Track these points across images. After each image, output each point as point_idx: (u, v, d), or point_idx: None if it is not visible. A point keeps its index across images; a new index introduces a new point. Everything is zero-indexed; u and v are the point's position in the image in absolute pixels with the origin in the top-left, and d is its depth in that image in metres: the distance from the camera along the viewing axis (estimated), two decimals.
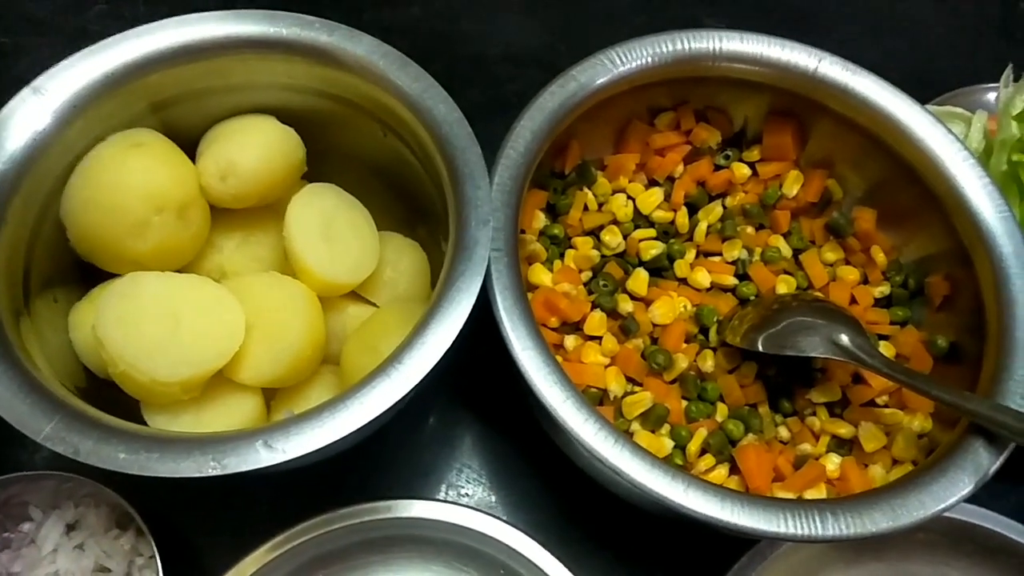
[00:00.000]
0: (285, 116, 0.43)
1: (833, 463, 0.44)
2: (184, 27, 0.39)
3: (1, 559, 0.40)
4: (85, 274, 0.42)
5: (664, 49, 0.47)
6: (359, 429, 0.33)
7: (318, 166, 0.45)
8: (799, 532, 0.36)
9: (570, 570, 0.41)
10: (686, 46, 0.47)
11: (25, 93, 0.38)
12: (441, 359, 0.34)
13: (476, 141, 0.39)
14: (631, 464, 0.36)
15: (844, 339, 0.44)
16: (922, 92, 0.60)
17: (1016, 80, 0.54)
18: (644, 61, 0.47)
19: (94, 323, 0.37)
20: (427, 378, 0.34)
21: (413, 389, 0.33)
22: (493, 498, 0.49)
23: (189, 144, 0.43)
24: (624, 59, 0.46)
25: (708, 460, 0.45)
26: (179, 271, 0.41)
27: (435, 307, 0.36)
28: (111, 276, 0.41)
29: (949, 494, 0.38)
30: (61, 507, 0.41)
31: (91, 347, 0.39)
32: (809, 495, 0.43)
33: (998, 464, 0.39)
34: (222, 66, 0.41)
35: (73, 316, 0.41)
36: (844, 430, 0.46)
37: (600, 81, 0.46)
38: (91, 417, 0.33)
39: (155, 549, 0.39)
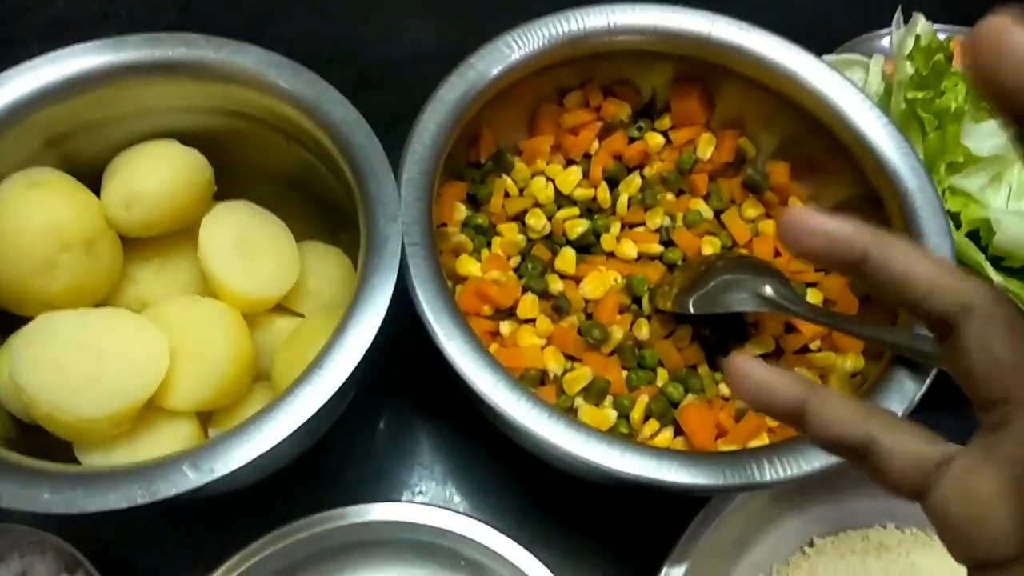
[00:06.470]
0: (188, 138, 0.43)
1: None
2: (62, 61, 0.39)
3: None
4: (3, 323, 0.41)
5: (558, 30, 0.47)
6: (288, 439, 0.33)
7: (229, 185, 0.45)
8: (739, 481, 0.37)
9: (528, 550, 0.42)
10: (580, 24, 0.48)
11: None
12: (363, 359, 0.34)
13: (376, 139, 0.39)
14: (566, 436, 0.37)
15: (768, 291, 0.45)
16: (827, 46, 0.62)
17: (906, 22, 0.56)
18: (540, 44, 0.47)
19: (10, 369, 0.36)
20: (351, 380, 0.34)
21: (337, 392, 0.34)
22: (448, 493, 0.49)
23: (94, 177, 0.42)
24: (520, 43, 0.47)
25: (652, 425, 0.45)
26: (97, 306, 0.41)
27: (352, 308, 0.36)
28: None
29: None
30: (6, 559, 0.41)
31: (13, 394, 0.39)
32: (752, 445, 0.44)
33: (922, 390, 0.40)
34: (110, 95, 0.40)
35: None
36: None
37: (499, 68, 0.46)
38: (11, 462, 0.32)
39: None
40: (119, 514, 0.31)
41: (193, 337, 0.39)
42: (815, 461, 0.37)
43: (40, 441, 0.38)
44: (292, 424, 0.33)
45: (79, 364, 0.37)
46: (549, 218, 0.51)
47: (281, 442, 0.32)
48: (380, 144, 0.39)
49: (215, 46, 0.40)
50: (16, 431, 0.40)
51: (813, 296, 0.49)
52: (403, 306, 0.38)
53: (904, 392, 0.40)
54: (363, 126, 0.39)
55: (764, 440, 0.44)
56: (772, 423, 0.45)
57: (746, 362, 0.25)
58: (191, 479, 0.31)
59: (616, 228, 0.51)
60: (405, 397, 0.53)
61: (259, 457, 0.32)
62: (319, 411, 0.33)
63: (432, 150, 0.43)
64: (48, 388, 0.36)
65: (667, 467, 0.36)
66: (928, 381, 0.40)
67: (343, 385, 0.34)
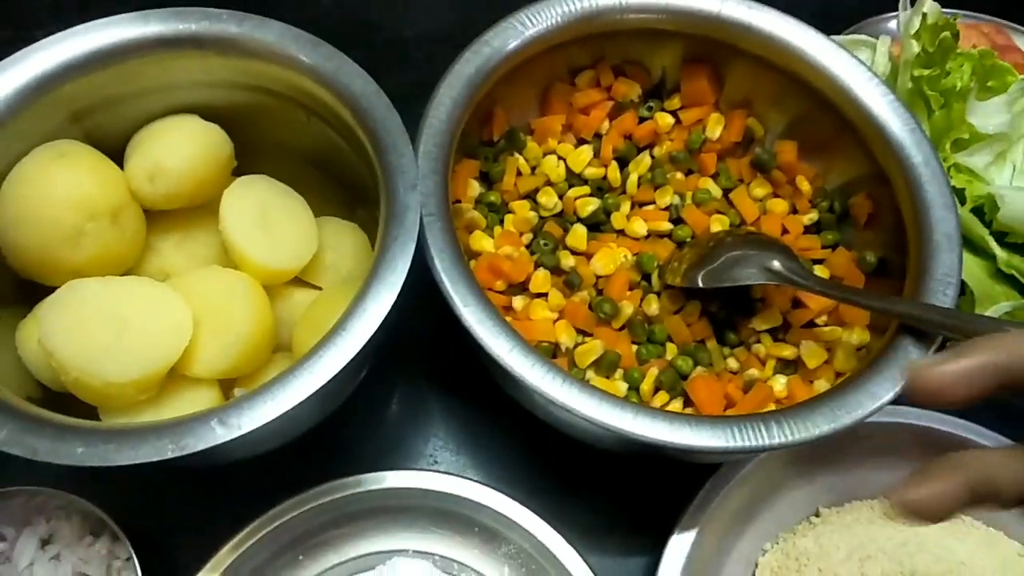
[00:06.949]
0: (209, 114, 0.44)
1: (780, 383, 0.46)
2: (90, 34, 0.40)
3: None
4: (28, 292, 0.42)
5: (571, 8, 0.48)
6: (311, 398, 0.34)
7: (249, 161, 0.46)
8: (748, 444, 0.38)
9: (540, 517, 0.43)
10: (592, 2, 0.49)
11: None
12: (383, 322, 0.35)
13: (395, 111, 0.40)
14: (580, 400, 0.38)
15: (776, 264, 0.46)
16: (835, 27, 0.63)
17: (913, 3, 0.56)
18: (553, 21, 0.48)
19: (40, 334, 0.37)
20: (371, 342, 0.35)
21: (359, 353, 0.34)
22: (462, 462, 0.50)
23: (116, 150, 0.43)
24: (534, 21, 0.48)
25: (662, 396, 0.46)
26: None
27: (373, 274, 0.37)
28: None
29: (884, 391, 0.40)
30: (33, 523, 0.42)
31: (41, 360, 0.40)
32: None
33: (927, 358, 0.41)
34: (135, 69, 0.41)
35: (20, 332, 0.41)
36: (788, 352, 0.48)
37: (513, 44, 0.47)
38: (46, 419, 0.33)
39: (131, 550, 0.40)
40: (148, 470, 0.32)
41: (215, 306, 0.40)
42: (823, 425, 0.38)
43: (66, 407, 0.39)
44: (316, 383, 0.34)
45: (106, 330, 0.38)
46: (560, 196, 0.52)
47: (305, 400, 0.33)
48: (399, 116, 0.40)
49: (237, 20, 0.41)
50: (43, 396, 0.41)
51: (820, 272, 0.50)
52: (417, 283, 0.38)
53: (909, 359, 0.41)
54: (382, 99, 0.40)
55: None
56: (780, 394, 0.46)
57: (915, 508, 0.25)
58: (219, 434, 0.32)
59: (626, 206, 0.52)
60: (420, 372, 0.53)
61: (283, 415, 0.33)
62: (342, 371, 0.34)
63: (448, 124, 0.44)
64: (76, 353, 0.37)
65: (678, 429, 0.37)
66: (933, 349, 0.41)
67: (365, 346, 0.35)
